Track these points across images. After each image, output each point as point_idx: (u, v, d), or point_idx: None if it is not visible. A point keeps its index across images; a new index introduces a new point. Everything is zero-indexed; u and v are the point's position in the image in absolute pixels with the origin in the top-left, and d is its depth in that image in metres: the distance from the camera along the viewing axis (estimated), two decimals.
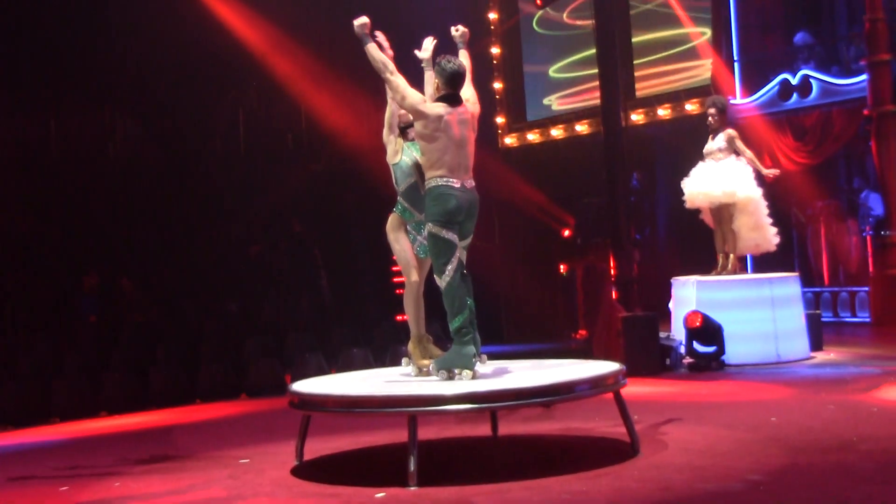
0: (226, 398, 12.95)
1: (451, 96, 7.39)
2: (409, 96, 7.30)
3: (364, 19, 7.44)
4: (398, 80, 7.35)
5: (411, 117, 7.44)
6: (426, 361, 7.68)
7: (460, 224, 7.27)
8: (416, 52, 7.58)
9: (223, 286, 17.06)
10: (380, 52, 7.45)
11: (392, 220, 7.81)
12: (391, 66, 7.41)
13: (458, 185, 7.22)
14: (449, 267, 7.20)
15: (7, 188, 18.67)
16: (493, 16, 20.75)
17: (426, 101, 7.36)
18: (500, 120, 20.69)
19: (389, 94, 7.56)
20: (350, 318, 15.93)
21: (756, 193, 12.82)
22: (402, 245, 7.76)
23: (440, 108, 7.30)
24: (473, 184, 7.37)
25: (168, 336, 14.43)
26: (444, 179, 7.20)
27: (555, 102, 20.40)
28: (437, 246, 7.23)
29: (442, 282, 7.24)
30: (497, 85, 20.76)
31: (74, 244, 17.79)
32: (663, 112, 17.81)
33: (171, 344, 14.02)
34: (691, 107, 17.32)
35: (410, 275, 7.76)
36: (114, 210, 18.72)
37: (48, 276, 16.94)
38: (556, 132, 19.87)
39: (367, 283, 18.16)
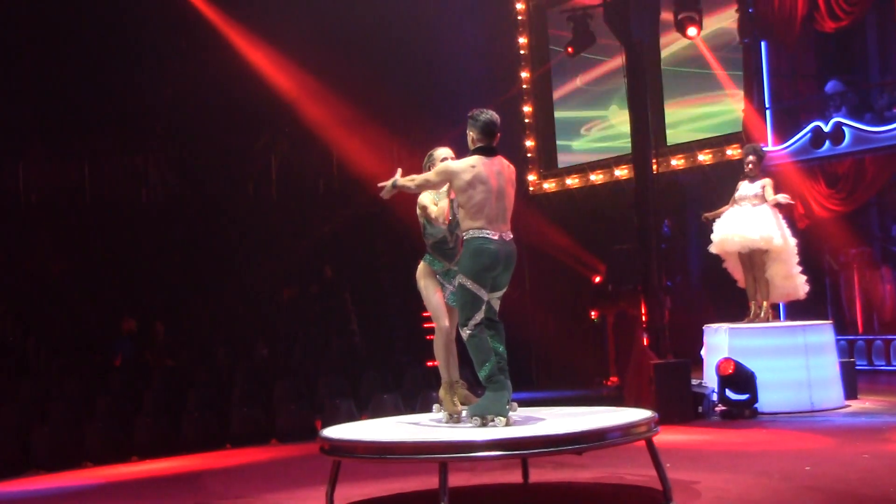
0: (256, 443, 12.95)
1: (486, 148, 7.40)
2: (433, 174, 7.34)
3: (388, 186, 7.43)
4: (429, 177, 7.38)
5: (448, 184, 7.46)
6: (457, 408, 7.67)
7: (494, 278, 7.29)
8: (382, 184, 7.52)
9: (254, 330, 17.09)
10: (404, 178, 7.45)
11: (422, 268, 7.85)
12: (418, 178, 7.42)
13: (496, 238, 7.24)
14: (472, 322, 7.22)
15: (41, 232, 18.86)
16: (524, 74, 20.83)
17: (448, 163, 7.38)
18: (531, 178, 20.73)
19: (434, 190, 7.61)
20: (380, 362, 15.91)
21: (791, 242, 12.82)
22: (431, 291, 7.78)
23: (473, 160, 7.32)
24: (511, 235, 7.38)
25: (199, 380, 14.44)
26: (483, 232, 7.21)
27: (583, 142, 20.47)
28: (464, 297, 7.25)
29: (464, 333, 7.26)
30: (529, 143, 20.81)
31: (107, 288, 17.91)
32: (699, 158, 17.77)
33: (202, 388, 14.04)
34: (731, 152, 17.26)
35: (441, 320, 7.77)
36: (146, 254, 18.84)
37: (81, 320, 17.03)
38: (588, 179, 19.88)
39: (398, 328, 18.15)
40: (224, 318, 17.72)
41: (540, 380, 18.42)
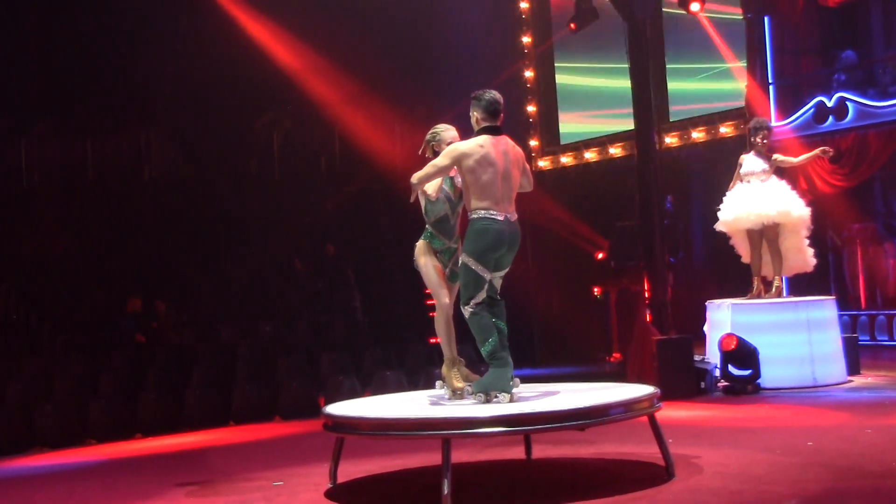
0: (259, 420, 12.98)
1: (491, 128, 7.40)
2: (444, 157, 7.33)
3: (414, 186, 7.44)
4: (439, 163, 7.35)
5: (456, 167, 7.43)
6: (460, 384, 7.68)
7: (498, 258, 7.32)
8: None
9: (257, 308, 17.12)
10: (417, 174, 7.41)
11: (421, 246, 7.84)
12: (428, 167, 7.39)
13: (501, 218, 7.26)
14: (474, 301, 7.26)
15: (44, 210, 18.87)
16: (526, 39, 20.77)
17: (457, 145, 7.38)
18: (533, 143, 20.68)
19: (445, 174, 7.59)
20: (383, 339, 15.94)
21: (806, 213, 12.85)
22: (431, 269, 7.78)
23: (481, 140, 7.33)
24: (516, 216, 7.40)
25: (202, 358, 14.47)
26: (489, 212, 7.23)
27: (583, 122, 20.43)
28: (467, 277, 7.28)
29: (466, 312, 7.31)
30: (531, 108, 20.76)
31: (110, 265, 17.92)
32: (697, 135, 17.75)
33: (206, 365, 14.07)
34: (725, 129, 17.25)
35: (441, 298, 7.78)
36: (149, 231, 18.85)
37: (84, 297, 17.06)
38: (590, 155, 19.84)
39: (401, 305, 18.16)
40: (227, 295, 17.74)
41: (543, 356, 18.44)
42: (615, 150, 19.28)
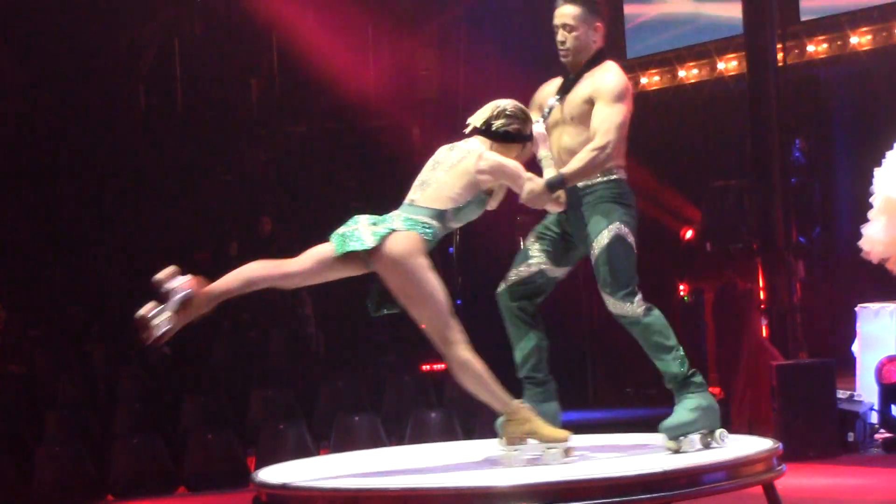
0: (153, 493, 12.97)
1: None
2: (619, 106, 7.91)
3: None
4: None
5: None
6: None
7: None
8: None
9: None
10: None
11: (417, 242, 7.79)
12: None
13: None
14: (640, 295, 7.77)
15: None
16: None
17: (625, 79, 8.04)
18: None
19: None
20: (348, 366, 15.94)
21: None
22: (433, 275, 7.84)
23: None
24: None
25: (63, 397, 14.47)
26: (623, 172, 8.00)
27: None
28: (624, 257, 7.83)
29: (632, 311, 7.80)
30: None
31: None
32: (849, 41, 17.65)
33: (68, 406, 14.11)
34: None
35: (455, 330, 7.80)
36: None
37: None
38: (672, 76, 19.83)
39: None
40: (102, 297, 17.74)
41: (599, 392, 18.46)
42: (711, 69, 19.25)
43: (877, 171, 13.05)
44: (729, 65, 18.61)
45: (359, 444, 12.45)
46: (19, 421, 13.92)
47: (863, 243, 13.17)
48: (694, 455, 7.42)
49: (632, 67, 20.42)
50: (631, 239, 7.78)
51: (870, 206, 13.57)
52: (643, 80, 20.19)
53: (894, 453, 12.00)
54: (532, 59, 17.60)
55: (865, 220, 13.37)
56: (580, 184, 7.72)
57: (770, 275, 13.45)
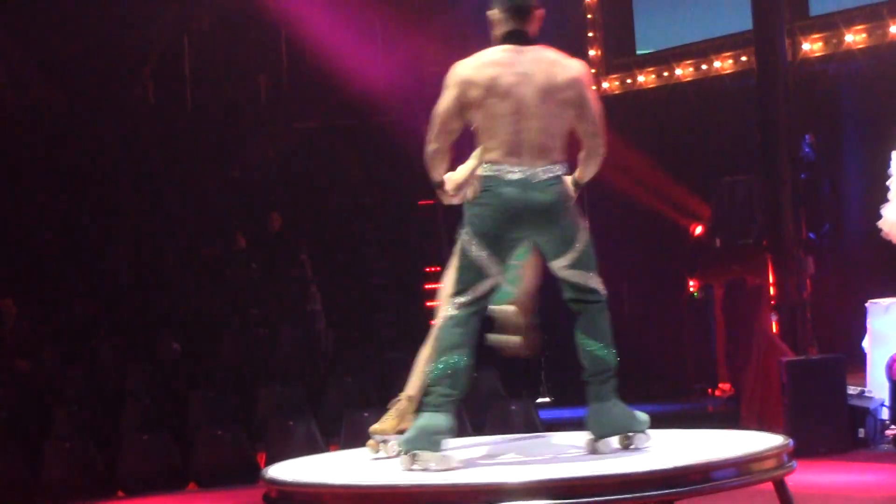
0: (163, 489, 12.98)
1: (514, 34, 7.38)
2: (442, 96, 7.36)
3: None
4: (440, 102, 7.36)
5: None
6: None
7: (512, 241, 7.30)
8: None
9: (157, 313, 17.11)
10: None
11: None
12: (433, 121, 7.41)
13: (515, 177, 7.22)
14: (459, 298, 7.30)
15: None
16: None
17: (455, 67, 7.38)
18: (592, 53, 20.66)
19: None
20: (357, 362, 15.95)
21: None
22: None
23: (494, 55, 7.29)
24: (558, 172, 7.31)
25: (72, 391, 14.49)
26: (494, 168, 7.22)
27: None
28: (460, 261, 7.38)
29: (441, 314, 7.42)
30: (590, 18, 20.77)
31: None
32: (854, 38, 17.68)
33: (77, 401, 14.14)
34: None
35: None
36: None
37: None
38: (682, 71, 19.82)
39: (386, 307, 18.16)
40: (111, 291, 17.74)
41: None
42: (721, 64, 19.25)
43: (894, 154, 13.04)
44: (738, 60, 18.63)
45: (367, 440, 12.43)
46: (27, 416, 13.93)
47: (882, 224, 13.16)
48: (704, 451, 7.40)
49: (642, 63, 20.46)
50: (469, 245, 7.34)
51: (881, 198, 13.57)
52: (652, 77, 20.21)
53: None
54: None
55: (875, 215, 13.39)
56: None
57: (780, 271, 13.43)
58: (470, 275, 7.29)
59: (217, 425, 13.77)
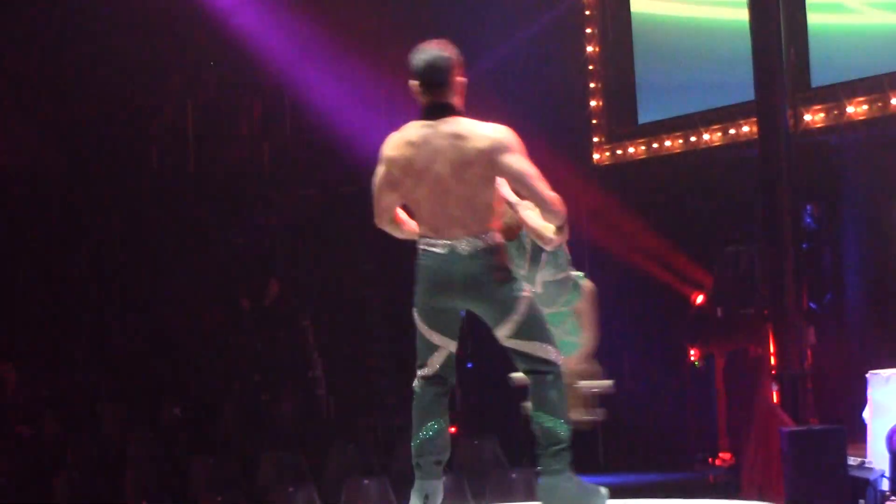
0: None
1: (427, 108, 7.43)
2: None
3: None
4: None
5: None
6: None
7: (439, 313, 7.37)
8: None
9: (159, 379, 17.10)
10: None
11: None
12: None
13: (439, 250, 7.27)
14: (420, 372, 7.47)
15: None
16: None
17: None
18: (596, 140, 20.60)
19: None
20: (358, 428, 15.91)
21: None
22: None
23: (408, 132, 7.39)
24: (479, 245, 7.31)
25: (74, 458, 14.47)
26: (423, 242, 7.37)
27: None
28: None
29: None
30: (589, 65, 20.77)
31: None
32: (856, 109, 17.71)
33: (79, 470, 14.07)
34: None
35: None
36: None
37: None
38: (683, 142, 19.82)
39: (387, 373, 18.15)
40: (113, 358, 17.73)
41: (608, 457, 18.39)
42: (722, 135, 19.26)
43: None
44: (741, 130, 18.63)
45: None
46: (28, 483, 13.91)
47: None
48: None
49: (645, 132, 20.47)
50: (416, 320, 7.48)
51: (883, 271, 13.60)
52: (654, 146, 20.21)
53: None
54: (551, 125, 17.76)
55: (876, 286, 13.39)
56: None
57: (781, 340, 13.43)
58: (423, 348, 7.42)
59: (218, 492, 13.76)
